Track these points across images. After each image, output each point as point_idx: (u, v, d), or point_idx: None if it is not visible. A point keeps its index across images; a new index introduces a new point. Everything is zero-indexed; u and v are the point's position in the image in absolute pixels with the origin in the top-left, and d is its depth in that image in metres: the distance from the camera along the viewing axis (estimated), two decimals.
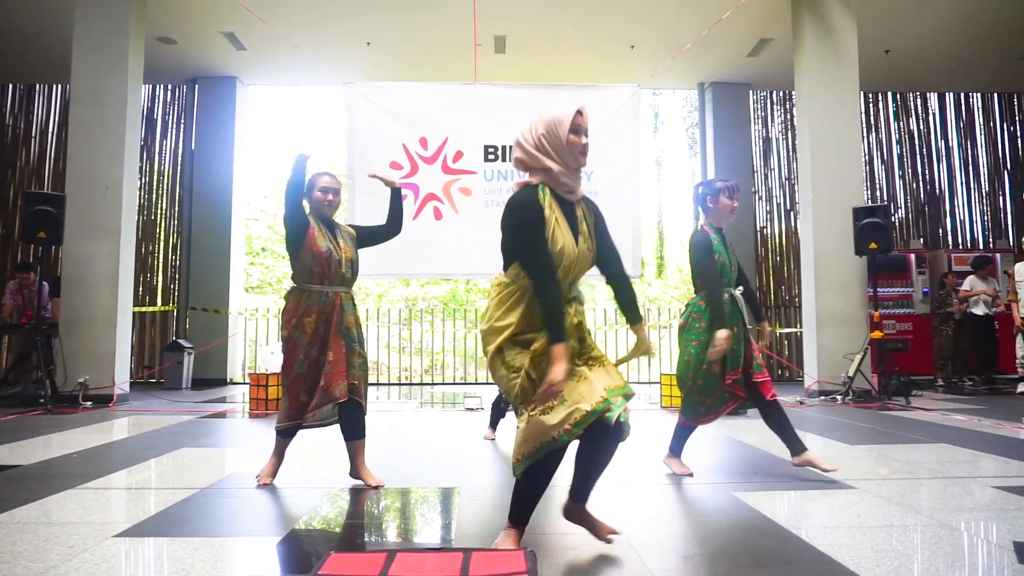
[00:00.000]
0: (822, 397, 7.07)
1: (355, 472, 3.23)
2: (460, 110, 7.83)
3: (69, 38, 7.26)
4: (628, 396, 2.15)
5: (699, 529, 2.54)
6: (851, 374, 6.87)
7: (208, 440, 4.72)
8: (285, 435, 3.23)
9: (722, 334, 3.19)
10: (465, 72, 9.32)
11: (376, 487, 3.19)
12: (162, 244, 10.24)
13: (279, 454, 3.28)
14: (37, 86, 10.32)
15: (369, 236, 3.44)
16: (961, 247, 10.41)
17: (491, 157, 7.99)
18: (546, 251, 2.08)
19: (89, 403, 6.57)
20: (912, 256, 9.30)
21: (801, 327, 9.81)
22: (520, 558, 1.74)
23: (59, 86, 10.27)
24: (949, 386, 8.44)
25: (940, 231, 10.69)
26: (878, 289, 7.47)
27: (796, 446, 3.41)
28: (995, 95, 10.90)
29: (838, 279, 7.39)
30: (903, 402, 6.58)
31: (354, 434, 3.21)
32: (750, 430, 5.09)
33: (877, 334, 6.86)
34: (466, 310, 12.27)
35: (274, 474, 3.26)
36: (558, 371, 1.98)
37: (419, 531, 2.64)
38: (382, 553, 1.86)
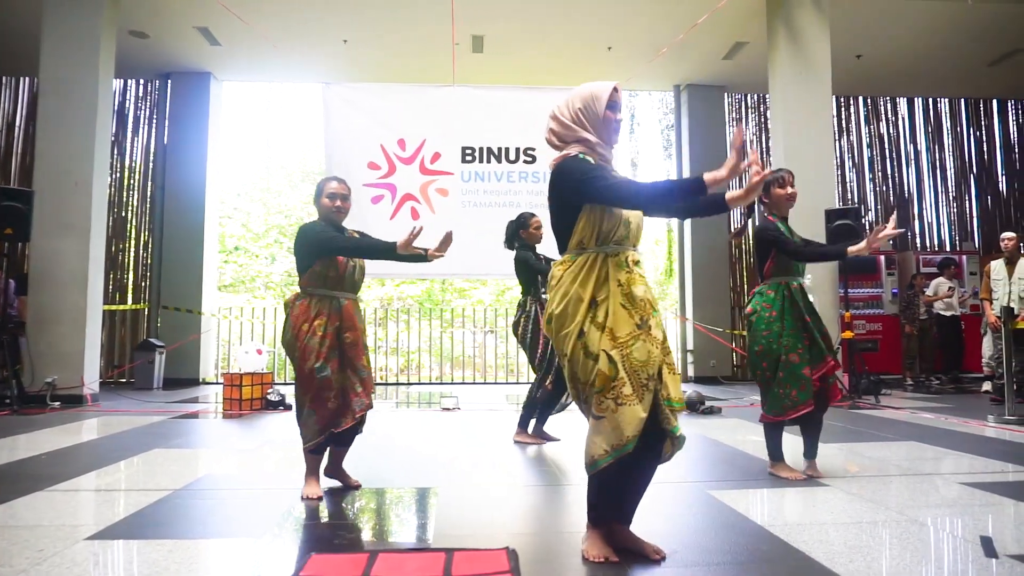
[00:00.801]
0: None
1: (333, 472, 3.21)
2: (438, 112, 7.85)
3: (38, 29, 7.10)
4: (681, 410, 2.19)
5: (676, 527, 2.57)
6: None
7: (181, 441, 4.65)
8: (317, 452, 3.06)
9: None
10: (443, 71, 9.30)
11: (355, 487, 3.17)
12: (133, 241, 10.06)
13: (315, 473, 3.06)
14: (3, 78, 10.06)
15: None
16: (929, 249, 10.64)
17: (468, 158, 8.01)
18: (620, 179, 2.14)
19: (57, 403, 6.43)
20: (882, 258, 9.48)
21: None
22: (502, 557, 1.74)
23: (27, 79, 10.03)
24: (917, 385, 8.62)
25: (909, 233, 10.91)
26: (848, 290, 7.60)
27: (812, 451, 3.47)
28: (962, 101, 11.16)
29: (811, 280, 7.49)
30: (873, 401, 6.70)
31: (348, 443, 3.21)
32: (723, 429, 5.16)
33: (848, 334, 6.98)
34: (441, 310, 12.24)
35: (319, 487, 3.05)
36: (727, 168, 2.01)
37: (398, 531, 2.63)
38: (363, 554, 1.85)
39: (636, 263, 2.19)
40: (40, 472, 3.48)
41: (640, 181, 2.15)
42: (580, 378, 2.10)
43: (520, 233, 4.63)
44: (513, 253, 4.65)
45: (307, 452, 3.03)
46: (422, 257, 3.01)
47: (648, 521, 2.67)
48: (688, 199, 2.10)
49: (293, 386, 3.24)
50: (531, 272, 4.52)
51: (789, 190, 3.49)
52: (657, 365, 2.07)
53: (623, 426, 1.99)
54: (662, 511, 2.83)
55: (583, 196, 2.14)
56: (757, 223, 3.52)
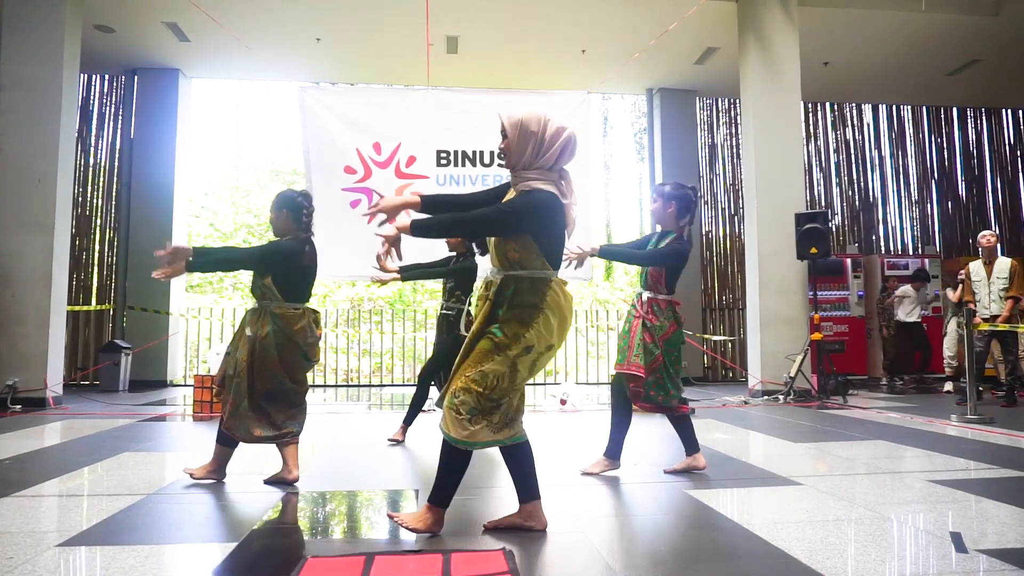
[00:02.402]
0: (765, 397, 7.30)
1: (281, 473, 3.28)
2: (413, 115, 7.85)
3: None
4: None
5: (657, 527, 2.59)
6: (792, 374, 7.11)
7: (150, 444, 4.55)
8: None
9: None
10: (418, 71, 9.26)
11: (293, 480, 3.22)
12: (97, 241, 9.82)
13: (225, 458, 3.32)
14: None
15: None
16: (893, 252, 10.90)
17: (443, 162, 8.02)
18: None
19: (19, 406, 6.25)
20: (848, 260, 9.70)
21: (738, 334, 10.11)
22: (500, 558, 1.74)
23: None
24: (892, 386, 8.80)
25: (874, 237, 11.18)
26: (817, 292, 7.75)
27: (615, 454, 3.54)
28: (924, 108, 11.47)
29: (780, 282, 7.64)
30: (840, 401, 6.85)
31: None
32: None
33: (817, 336, 7.12)
34: (415, 311, 12.17)
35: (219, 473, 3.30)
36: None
37: (380, 533, 2.60)
38: (360, 556, 1.83)
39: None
40: (4, 477, 3.37)
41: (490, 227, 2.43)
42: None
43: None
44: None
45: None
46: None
47: (630, 520, 2.70)
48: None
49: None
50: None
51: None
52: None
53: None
54: (640, 511, 2.85)
55: None
56: (685, 238, 3.50)
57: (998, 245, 6.91)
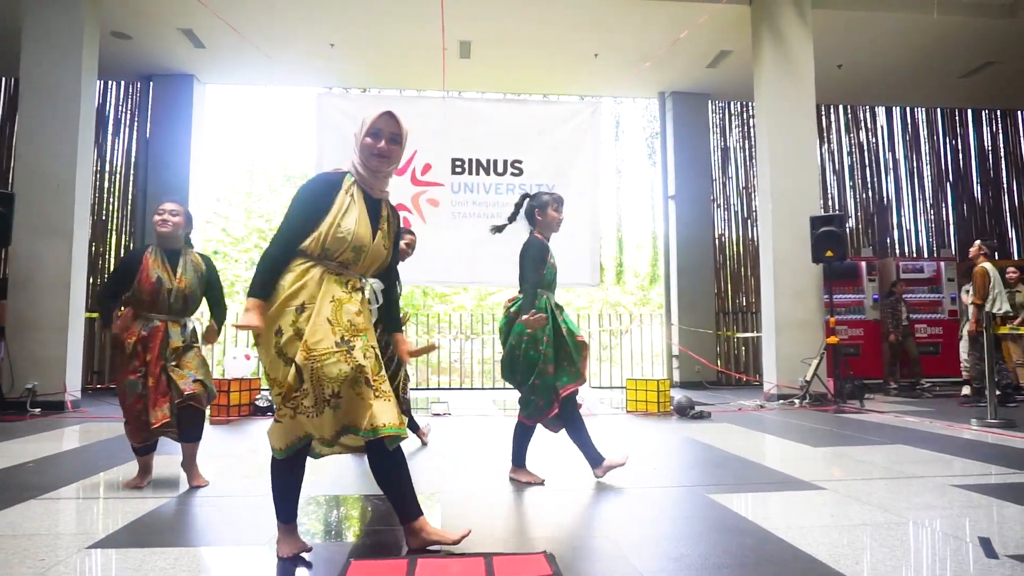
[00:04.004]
0: (781, 401, 7.26)
1: (187, 466, 3.35)
2: (429, 124, 7.94)
3: (17, 29, 6.98)
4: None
5: (682, 531, 2.59)
6: (808, 378, 7.07)
7: (171, 447, 4.56)
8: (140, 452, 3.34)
9: (535, 315, 3.23)
10: (431, 76, 9.30)
11: (198, 485, 3.28)
12: (114, 246, 9.90)
13: (145, 467, 3.36)
14: None
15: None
16: (908, 255, 10.83)
17: (458, 170, 8.09)
18: (295, 226, 2.18)
19: (38, 410, 6.31)
20: (863, 264, 9.64)
21: (758, 332, 10.07)
22: (542, 561, 1.74)
23: (3, 78, 9.85)
24: (900, 390, 8.74)
25: (888, 240, 11.11)
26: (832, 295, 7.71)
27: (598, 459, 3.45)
28: (938, 110, 11.41)
29: (795, 286, 7.61)
30: (857, 405, 6.81)
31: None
32: (714, 433, 5.20)
33: (833, 339, 7.08)
34: (427, 316, 12.19)
35: (144, 480, 3.33)
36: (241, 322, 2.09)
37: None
38: (403, 560, 1.84)
39: (357, 289, 2.24)
40: (29, 480, 3.41)
41: (274, 248, 2.18)
42: (270, 375, 2.18)
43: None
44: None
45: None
46: None
47: (649, 525, 2.69)
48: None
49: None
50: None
51: (561, 216, 3.55)
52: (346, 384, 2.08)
53: (288, 433, 2.16)
54: (662, 515, 2.85)
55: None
56: (532, 237, 3.48)
57: (981, 254, 7.10)
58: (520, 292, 3.42)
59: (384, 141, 2.24)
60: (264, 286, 2.12)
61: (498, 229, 3.53)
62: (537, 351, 3.33)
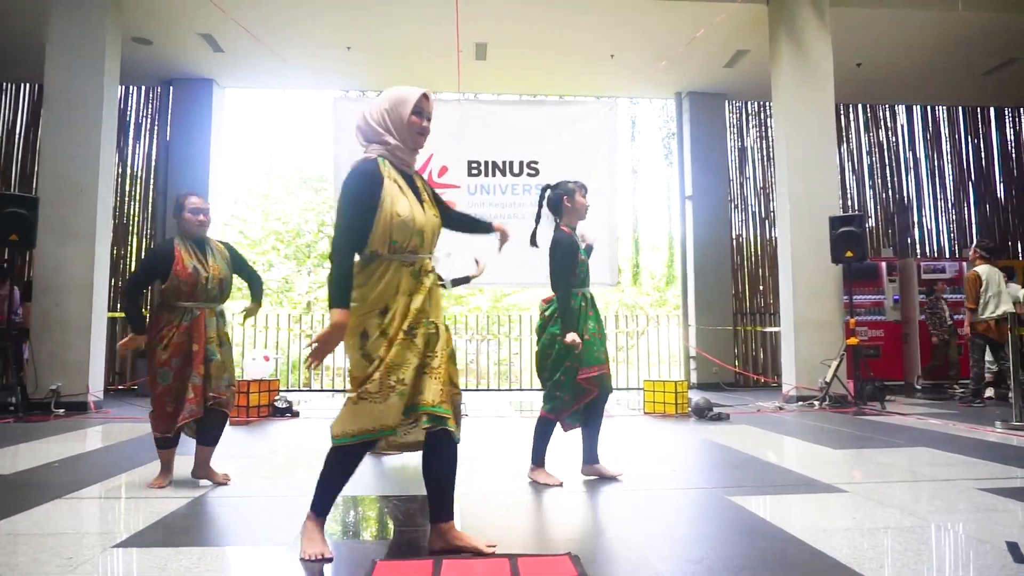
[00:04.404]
0: (800, 402, 7.20)
1: (199, 472, 3.38)
2: (445, 126, 7.97)
3: (40, 36, 7.10)
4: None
5: (702, 533, 2.57)
6: (828, 380, 7.00)
7: (192, 448, 4.62)
8: (162, 447, 3.35)
9: (571, 338, 3.26)
10: (447, 78, 9.33)
11: (221, 482, 3.35)
12: (134, 249, 10.03)
13: (167, 464, 3.38)
14: (4, 84, 10.04)
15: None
16: (929, 256, 10.69)
17: (474, 172, 8.12)
18: (355, 226, 2.18)
19: (61, 410, 6.39)
20: (883, 264, 9.54)
21: (769, 338, 9.99)
22: (567, 562, 1.74)
23: (27, 84, 10.02)
24: (926, 391, 8.59)
25: (908, 240, 10.98)
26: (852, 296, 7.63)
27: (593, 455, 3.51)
28: (960, 109, 11.25)
29: (814, 286, 7.54)
30: (878, 407, 6.73)
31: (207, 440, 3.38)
32: (733, 434, 5.17)
33: (853, 340, 7.01)
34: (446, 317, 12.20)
35: (166, 479, 3.35)
36: (327, 333, 2.12)
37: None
38: (428, 560, 1.85)
39: (428, 272, 2.29)
40: (55, 480, 3.46)
41: (341, 256, 2.17)
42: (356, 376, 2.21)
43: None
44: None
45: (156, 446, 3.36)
46: None
47: (668, 526, 2.68)
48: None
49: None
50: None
51: (587, 202, 3.51)
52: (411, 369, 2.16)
53: (356, 419, 2.15)
54: (682, 517, 2.83)
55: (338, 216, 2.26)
56: (558, 232, 3.44)
57: (978, 257, 7.29)
58: (554, 293, 3.41)
59: (426, 120, 2.32)
60: (344, 294, 2.15)
61: (532, 240, 3.47)
62: (569, 352, 3.35)
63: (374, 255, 2.21)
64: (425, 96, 2.31)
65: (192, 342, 3.26)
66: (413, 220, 2.22)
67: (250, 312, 3.60)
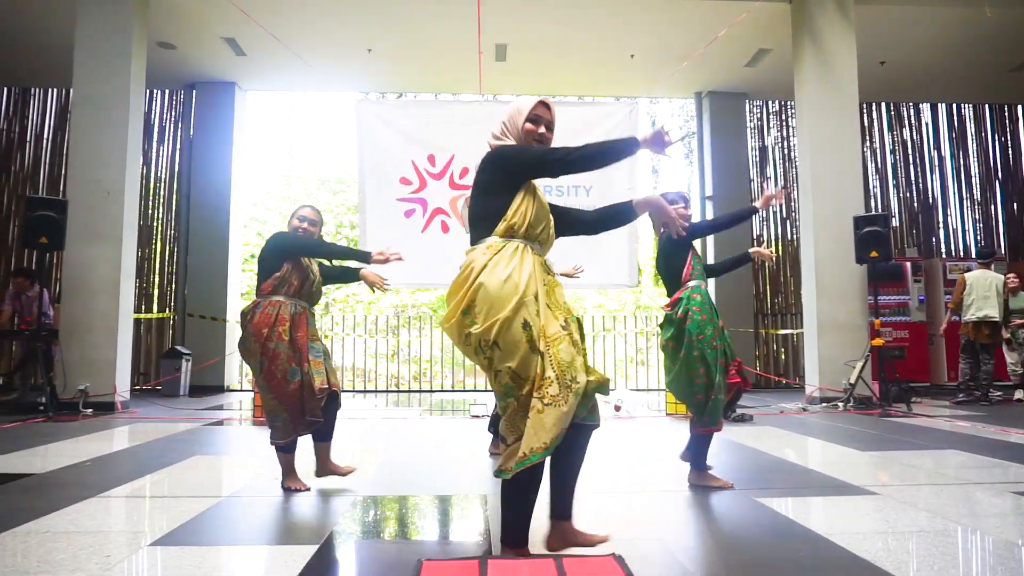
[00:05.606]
0: (824, 404, 7.12)
1: (322, 470, 3.35)
2: (466, 128, 8.07)
3: (68, 42, 7.22)
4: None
5: (734, 536, 2.55)
6: (852, 381, 6.93)
7: (218, 448, 4.68)
8: (288, 450, 3.27)
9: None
10: (467, 79, 9.36)
11: (346, 473, 3.36)
12: (158, 250, 10.16)
13: (290, 467, 3.30)
14: (33, 90, 10.22)
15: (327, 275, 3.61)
16: (955, 256, 10.54)
17: None
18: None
19: (90, 410, 6.49)
20: (908, 264, 9.42)
21: (791, 339, 9.90)
22: (612, 564, 1.74)
23: (55, 90, 10.18)
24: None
25: (934, 240, 10.83)
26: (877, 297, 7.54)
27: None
28: (986, 106, 11.08)
29: (838, 287, 7.46)
30: (904, 408, 6.64)
31: (326, 436, 3.35)
32: (757, 436, 5.13)
33: (878, 341, 6.93)
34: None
35: (300, 481, 3.30)
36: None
37: (459, 537, 2.63)
38: (474, 560, 1.85)
39: (548, 271, 2.19)
40: (87, 479, 3.51)
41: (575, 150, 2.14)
42: (521, 375, 1.98)
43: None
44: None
45: (278, 450, 3.26)
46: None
47: (698, 528, 2.67)
48: (619, 157, 2.17)
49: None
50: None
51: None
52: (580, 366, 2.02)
53: (548, 428, 1.92)
54: (711, 518, 2.82)
55: (524, 164, 2.19)
56: (664, 234, 3.51)
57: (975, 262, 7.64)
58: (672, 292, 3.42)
59: (543, 127, 2.30)
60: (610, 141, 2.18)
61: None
62: (712, 348, 3.26)
63: (512, 231, 2.11)
64: (543, 104, 2.29)
65: (297, 329, 3.24)
66: (545, 215, 2.22)
67: (376, 281, 3.55)
